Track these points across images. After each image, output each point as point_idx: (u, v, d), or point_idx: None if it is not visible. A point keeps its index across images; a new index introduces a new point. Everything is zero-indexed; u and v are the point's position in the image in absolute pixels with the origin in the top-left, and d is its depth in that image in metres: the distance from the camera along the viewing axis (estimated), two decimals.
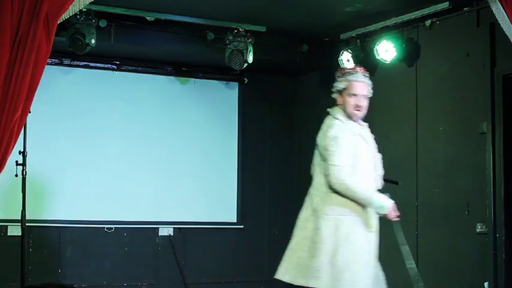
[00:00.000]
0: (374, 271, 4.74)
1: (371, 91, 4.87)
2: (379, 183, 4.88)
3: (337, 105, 4.90)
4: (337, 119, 4.82)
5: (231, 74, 8.41)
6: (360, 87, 4.79)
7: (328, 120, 4.88)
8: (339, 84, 4.85)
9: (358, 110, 4.81)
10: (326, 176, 4.65)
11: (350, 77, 4.81)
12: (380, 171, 4.93)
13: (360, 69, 4.86)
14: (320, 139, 4.81)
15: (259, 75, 8.70)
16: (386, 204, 4.72)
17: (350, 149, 4.68)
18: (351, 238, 4.62)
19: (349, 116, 4.81)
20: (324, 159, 4.70)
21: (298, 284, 4.68)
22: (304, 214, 4.88)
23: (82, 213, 7.78)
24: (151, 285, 8.12)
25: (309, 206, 4.84)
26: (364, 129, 4.90)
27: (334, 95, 4.91)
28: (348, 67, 4.99)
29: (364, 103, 4.83)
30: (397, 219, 4.80)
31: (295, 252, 4.77)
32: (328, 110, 4.94)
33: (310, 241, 4.72)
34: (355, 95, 4.78)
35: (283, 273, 4.76)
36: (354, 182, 4.61)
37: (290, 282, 4.71)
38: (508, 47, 5.40)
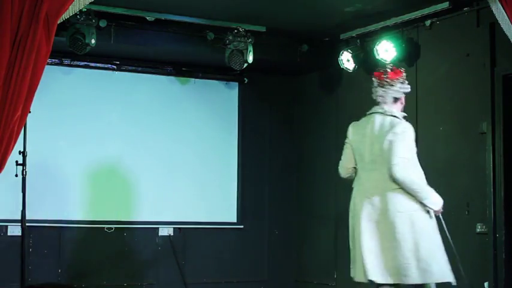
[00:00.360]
0: None
1: None
2: None
3: (395, 104, 5.20)
4: (398, 117, 5.10)
5: (231, 74, 8.41)
6: None
7: (385, 118, 5.09)
8: (407, 87, 5.24)
9: None
10: (389, 168, 4.86)
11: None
12: None
13: None
14: (382, 135, 5.00)
15: (259, 75, 8.70)
16: (439, 201, 5.07)
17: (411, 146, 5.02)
18: (427, 231, 4.95)
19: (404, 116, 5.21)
20: (384, 153, 4.92)
21: (390, 283, 4.91)
22: (366, 213, 5.04)
23: (82, 213, 7.78)
24: (151, 285, 8.12)
25: (367, 204, 5.02)
26: None
27: (399, 95, 5.20)
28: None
29: None
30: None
31: (376, 253, 4.96)
32: (379, 108, 5.18)
33: (386, 240, 4.92)
34: None
35: (376, 275, 4.94)
36: (417, 176, 4.94)
37: (385, 283, 4.93)
38: (508, 47, 5.40)
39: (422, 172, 5.09)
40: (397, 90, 5.18)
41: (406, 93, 5.24)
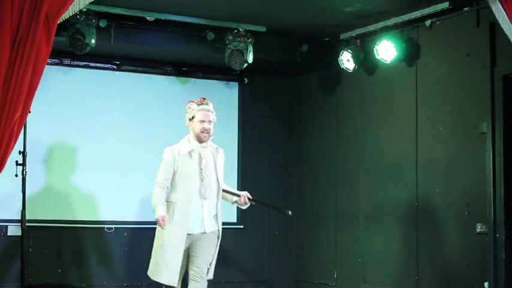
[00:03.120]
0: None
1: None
2: None
3: None
4: None
5: (231, 74, 8.41)
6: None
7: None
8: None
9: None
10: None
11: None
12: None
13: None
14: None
15: (259, 75, 8.70)
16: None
17: None
18: None
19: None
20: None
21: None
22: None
23: (82, 213, 7.78)
24: (151, 285, 8.10)
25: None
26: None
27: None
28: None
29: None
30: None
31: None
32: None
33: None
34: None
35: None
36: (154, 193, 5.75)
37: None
38: (508, 47, 5.40)
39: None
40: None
41: (189, 119, 5.83)
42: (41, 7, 4.08)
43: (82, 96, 7.89)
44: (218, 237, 5.72)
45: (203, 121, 5.74)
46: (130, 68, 8.13)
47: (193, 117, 5.73)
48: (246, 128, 8.71)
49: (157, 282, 5.70)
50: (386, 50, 7.20)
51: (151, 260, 5.63)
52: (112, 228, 7.94)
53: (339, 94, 8.33)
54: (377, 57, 7.28)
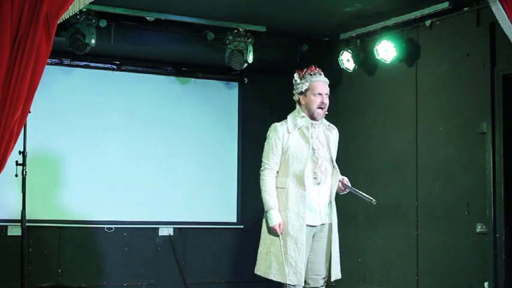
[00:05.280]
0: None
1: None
2: None
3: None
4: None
5: (231, 74, 8.41)
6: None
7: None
8: (298, 87, 5.11)
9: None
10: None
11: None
12: None
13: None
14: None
15: (259, 75, 8.69)
16: (274, 220, 4.81)
17: None
18: None
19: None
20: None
21: None
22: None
23: (82, 213, 7.78)
24: (151, 285, 8.12)
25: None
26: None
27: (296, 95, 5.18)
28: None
29: None
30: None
31: None
32: None
33: None
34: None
35: None
36: (268, 184, 4.94)
37: None
38: (508, 47, 5.40)
39: (286, 180, 4.82)
40: (294, 88, 5.03)
41: (301, 93, 5.00)
42: (41, 7, 4.08)
43: (82, 96, 7.89)
44: (332, 230, 4.98)
45: (320, 94, 4.94)
46: (130, 68, 8.14)
47: (306, 90, 4.93)
48: (246, 128, 8.70)
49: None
50: (386, 50, 7.20)
51: (263, 257, 4.89)
52: (112, 228, 7.94)
53: (339, 94, 8.32)
54: (377, 57, 7.28)
